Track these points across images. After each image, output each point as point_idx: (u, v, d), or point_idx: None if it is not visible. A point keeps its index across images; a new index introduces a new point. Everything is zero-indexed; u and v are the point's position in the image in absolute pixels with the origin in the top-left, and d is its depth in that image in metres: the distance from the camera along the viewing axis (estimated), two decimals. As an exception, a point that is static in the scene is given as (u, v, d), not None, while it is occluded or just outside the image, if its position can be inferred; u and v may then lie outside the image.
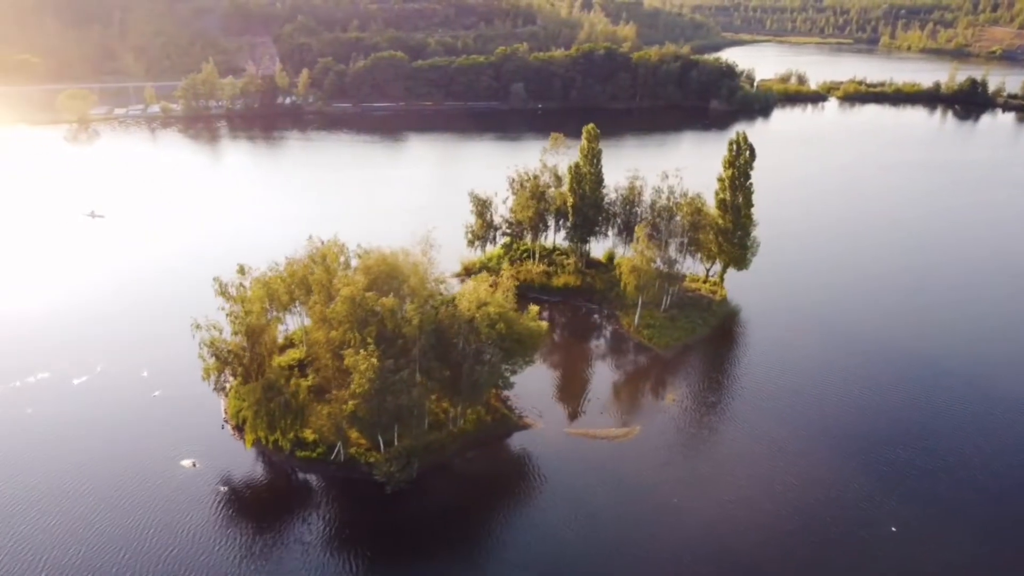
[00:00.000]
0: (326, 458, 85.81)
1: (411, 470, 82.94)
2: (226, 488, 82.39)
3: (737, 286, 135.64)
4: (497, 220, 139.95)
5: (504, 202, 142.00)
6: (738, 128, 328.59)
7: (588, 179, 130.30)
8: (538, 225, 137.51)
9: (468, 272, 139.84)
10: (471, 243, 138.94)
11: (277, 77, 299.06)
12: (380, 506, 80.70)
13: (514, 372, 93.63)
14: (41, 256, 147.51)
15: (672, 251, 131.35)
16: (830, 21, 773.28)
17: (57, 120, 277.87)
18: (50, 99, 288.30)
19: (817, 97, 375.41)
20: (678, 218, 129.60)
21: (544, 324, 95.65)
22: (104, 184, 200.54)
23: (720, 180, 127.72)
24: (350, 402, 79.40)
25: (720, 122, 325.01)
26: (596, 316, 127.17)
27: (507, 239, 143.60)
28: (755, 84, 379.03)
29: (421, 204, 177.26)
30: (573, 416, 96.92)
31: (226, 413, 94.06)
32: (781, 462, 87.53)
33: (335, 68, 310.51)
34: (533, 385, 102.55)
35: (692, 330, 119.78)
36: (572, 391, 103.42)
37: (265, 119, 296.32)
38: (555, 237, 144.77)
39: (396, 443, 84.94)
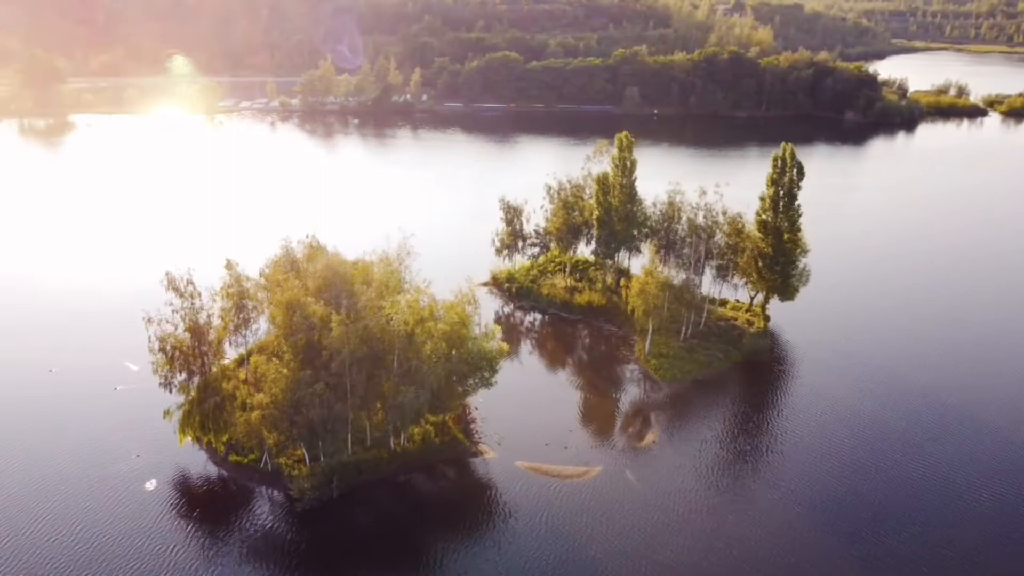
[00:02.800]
0: (256, 466, 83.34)
1: (328, 489, 78.81)
2: (153, 484, 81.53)
3: (784, 319, 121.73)
4: (528, 229, 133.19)
5: (541, 209, 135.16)
6: (876, 143, 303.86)
7: (617, 191, 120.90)
8: (566, 237, 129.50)
9: (496, 282, 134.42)
10: (499, 252, 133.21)
11: (391, 76, 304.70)
12: (292, 523, 77.01)
13: (466, 394, 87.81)
14: (93, 240, 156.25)
15: (708, 274, 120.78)
16: (1022, 28, 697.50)
17: (189, 110, 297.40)
18: (199, 92, 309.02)
19: (975, 111, 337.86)
20: (718, 238, 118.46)
21: (504, 346, 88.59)
22: (212, 173, 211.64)
23: (761, 199, 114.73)
24: (255, 411, 76.18)
25: (855, 136, 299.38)
26: (612, 340, 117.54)
27: (537, 249, 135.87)
28: (907, 95, 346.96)
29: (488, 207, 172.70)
30: (534, 447, 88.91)
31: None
32: (742, 534, 75.76)
33: (449, 68, 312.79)
34: (507, 409, 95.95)
35: (708, 364, 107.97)
36: (547, 419, 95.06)
37: (377, 116, 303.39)
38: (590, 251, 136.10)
39: (322, 458, 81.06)
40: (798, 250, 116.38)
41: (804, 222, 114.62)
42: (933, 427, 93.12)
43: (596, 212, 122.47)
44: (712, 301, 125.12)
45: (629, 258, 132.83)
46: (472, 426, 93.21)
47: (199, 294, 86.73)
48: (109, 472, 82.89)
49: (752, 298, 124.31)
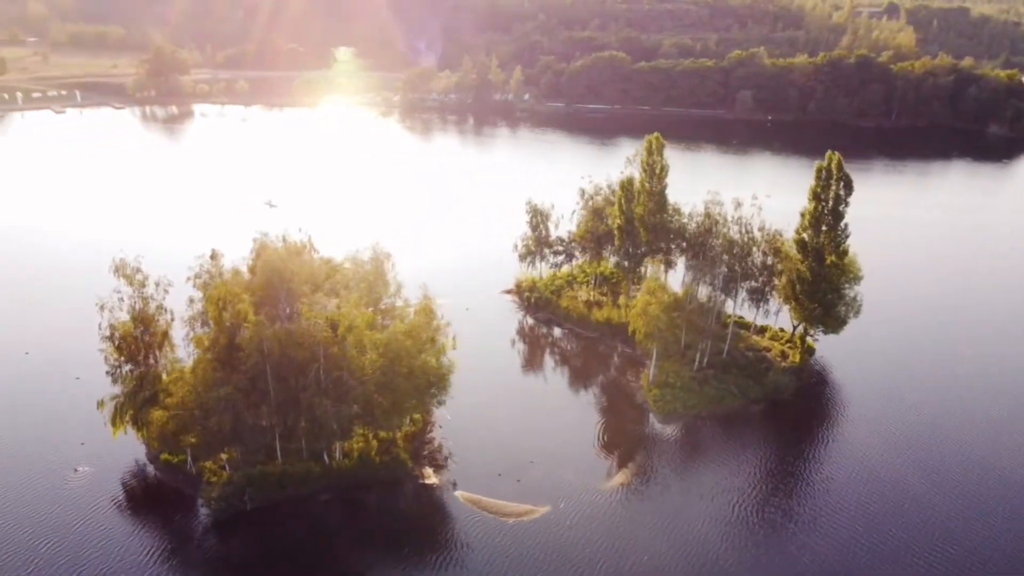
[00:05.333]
0: (182, 467, 79.28)
1: (237, 501, 73.38)
2: (82, 472, 79.25)
3: (833, 354, 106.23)
4: (554, 236, 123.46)
5: (571, 215, 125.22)
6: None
7: (643, 198, 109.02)
8: (590, 246, 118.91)
9: (519, 291, 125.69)
10: (523, 258, 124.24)
11: (491, 74, 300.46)
12: (199, 533, 72.49)
13: (410, 411, 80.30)
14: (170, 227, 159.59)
15: (741, 296, 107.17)
16: None
17: (295, 103, 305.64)
18: (305, 85, 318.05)
19: None
20: (755, 256, 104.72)
21: (452, 362, 79.87)
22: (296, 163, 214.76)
23: (802, 215, 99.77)
24: (159, 411, 71.73)
25: (999, 151, 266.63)
26: (622, 363, 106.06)
27: (561, 258, 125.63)
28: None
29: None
30: (485, 476, 79.77)
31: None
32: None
33: (554, 67, 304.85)
34: (475, 428, 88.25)
35: (719, 400, 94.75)
36: (512, 446, 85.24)
37: (476, 114, 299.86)
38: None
39: (241, 467, 75.81)
40: (847, 276, 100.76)
41: (901, 244, 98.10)
42: (971, 507, 76.11)
43: (617, 220, 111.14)
44: (746, 327, 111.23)
45: (666, 272, 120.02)
46: (427, 445, 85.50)
47: (156, 283, 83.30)
48: (44, 460, 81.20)
49: (795, 327, 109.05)
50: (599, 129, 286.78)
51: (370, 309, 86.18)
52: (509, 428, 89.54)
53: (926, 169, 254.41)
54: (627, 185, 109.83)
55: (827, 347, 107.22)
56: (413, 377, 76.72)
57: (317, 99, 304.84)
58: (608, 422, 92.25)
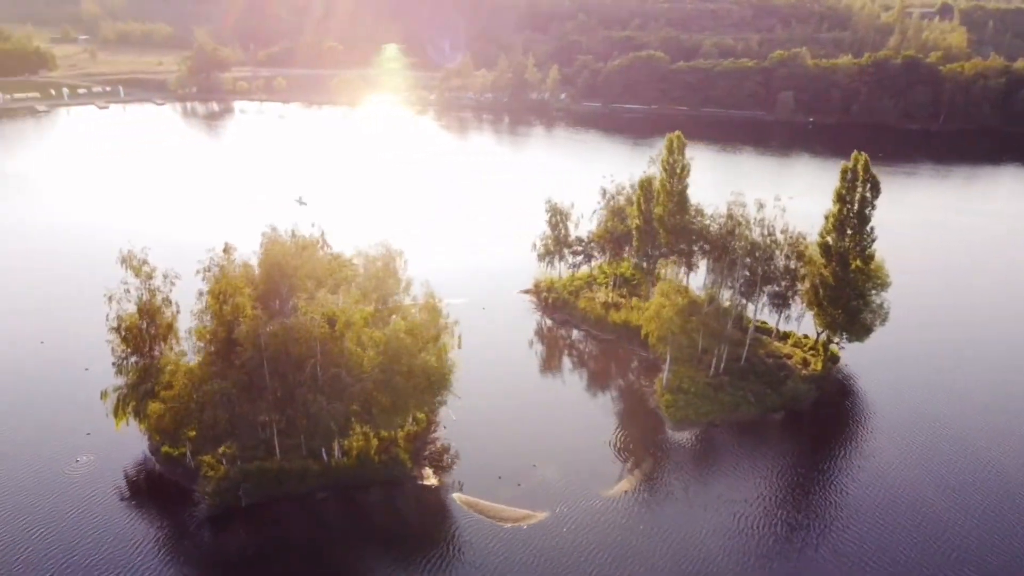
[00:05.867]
0: (182, 460, 79.11)
1: (232, 496, 72.80)
2: (83, 462, 79.61)
3: (855, 362, 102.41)
4: (573, 236, 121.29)
5: (591, 215, 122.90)
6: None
7: (663, 198, 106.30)
8: (609, 246, 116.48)
9: (537, 291, 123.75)
10: (541, 258, 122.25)
11: (527, 73, 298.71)
12: (192, 529, 71.99)
13: (411, 410, 78.94)
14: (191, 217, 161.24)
15: (763, 300, 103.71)
16: None
17: (334, 101, 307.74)
18: (343, 83, 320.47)
19: None
20: (777, 260, 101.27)
21: (454, 362, 78.30)
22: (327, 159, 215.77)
23: (826, 218, 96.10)
24: (155, 403, 71.47)
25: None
26: (637, 367, 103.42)
27: (580, 258, 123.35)
28: None
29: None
30: (485, 479, 78.05)
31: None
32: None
33: (591, 66, 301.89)
34: (480, 430, 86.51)
35: (734, 407, 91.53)
36: (516, 449, 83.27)
37: (512, 113, 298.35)
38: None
39: (238, 462, 75.31)
40: (873, 281, 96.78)
41: (942, 250, 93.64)
42: (992, 528, 72.07)
43: (636, 220, 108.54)
44: (768, 332, 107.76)
45: (687, 274, 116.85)
46: (429, 446, 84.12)
47: (163, 275, 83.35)
48: (49, 449, 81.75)
49: (818, 334, 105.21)
50: (635, 129, 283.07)
51: (379, 307, 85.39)
52: (515, 430, 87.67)
53: (974, 174, 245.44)
54: (646, 185, 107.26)
55: (853, 355, 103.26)
56: (412, 376, 75.36)
57: (356, 97, 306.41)
58: (618, 427, 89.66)
